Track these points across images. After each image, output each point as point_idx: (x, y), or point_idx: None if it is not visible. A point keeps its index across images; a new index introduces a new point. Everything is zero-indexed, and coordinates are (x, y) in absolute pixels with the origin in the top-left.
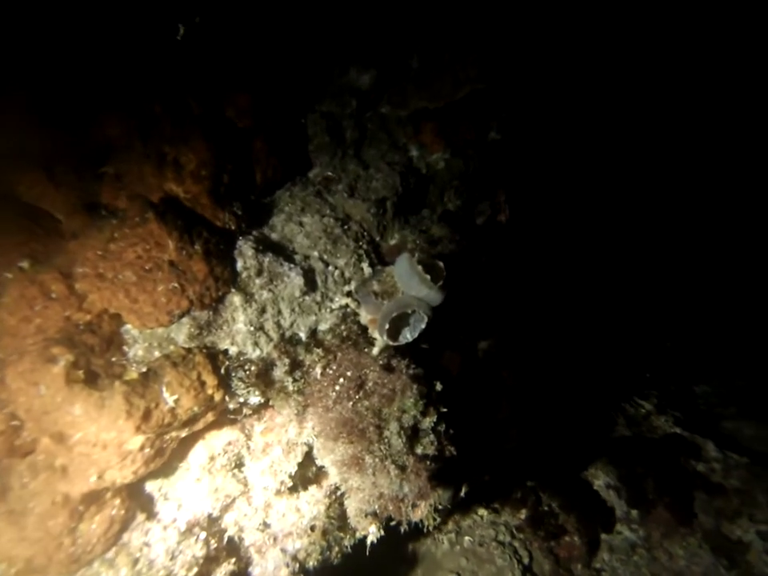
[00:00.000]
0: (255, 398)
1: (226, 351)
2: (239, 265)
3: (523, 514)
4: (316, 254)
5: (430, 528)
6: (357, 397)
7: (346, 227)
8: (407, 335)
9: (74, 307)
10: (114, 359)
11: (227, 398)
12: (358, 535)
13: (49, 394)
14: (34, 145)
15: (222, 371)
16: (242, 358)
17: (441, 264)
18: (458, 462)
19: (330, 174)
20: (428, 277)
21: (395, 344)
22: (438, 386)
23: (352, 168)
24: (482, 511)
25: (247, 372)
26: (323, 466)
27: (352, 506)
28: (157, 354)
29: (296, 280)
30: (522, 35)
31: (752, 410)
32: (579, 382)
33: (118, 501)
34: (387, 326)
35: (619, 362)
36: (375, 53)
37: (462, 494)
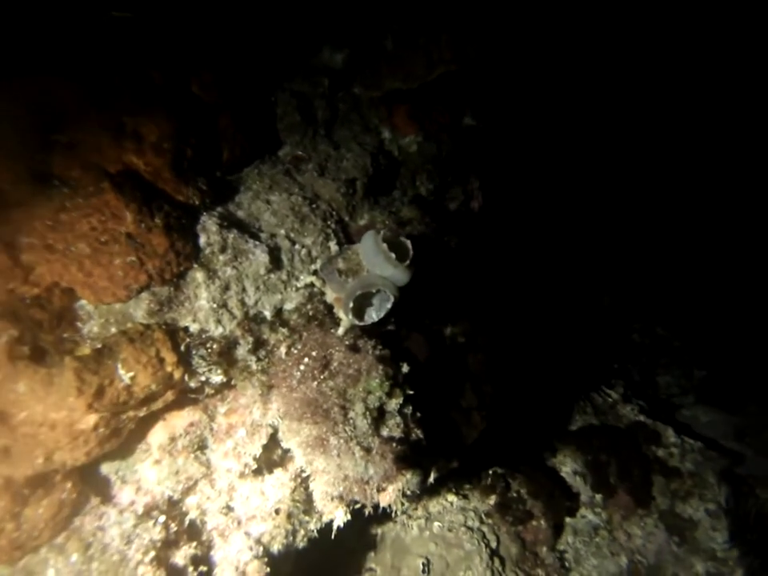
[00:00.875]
0: (217, 377)
1: (186, 328)
2: (202, 240)
3: (492, 500)
4: (283, 232)
5: (399, 513)
6: (321, 377)
7: (314, 206)
8: (373, 315)
9: (18, 279)
10: (65, 335)
11: (187, 377)
12: (324, 519)
13: None
14: None
15: (183, 348)
16: (203, 336)
17: (408, 243)
18: (427, 448)
19: (300, 153)
20: (393, 255)
21: (361, 324)
22: (405, 368)
23: (323, 148)
24: (452, 497)
25: (209, 350)
26: (289, 449)
27: (318, 488)
28: (114, 330)
29: (261, 257)
30: (500, 20)
31: (708, 399)
32: (549, 371)
33: (69, 484)
34: (352, 305)
35: (588, 351)
36: (349, 32)
37: (431, 479)
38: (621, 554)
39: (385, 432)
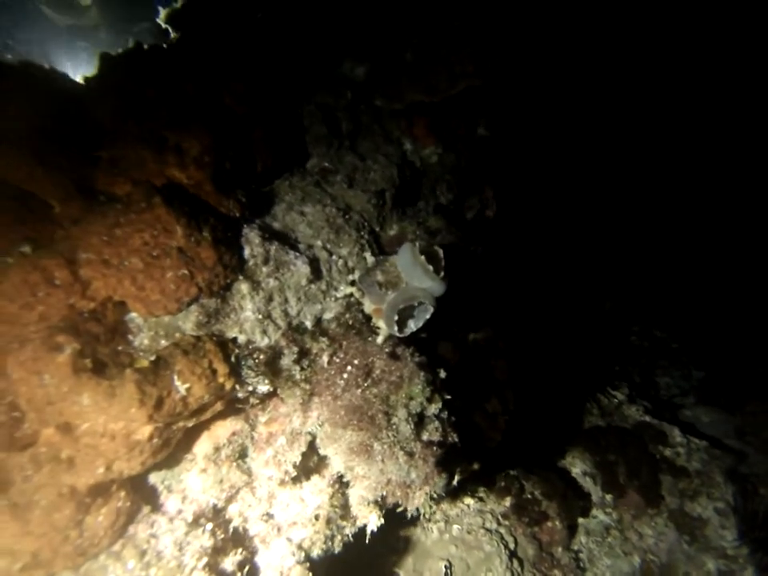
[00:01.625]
0: (264, 387)
1: (234, 339)
2: (246, 252)
3: (508, 501)
4: (319, 243)
5: (426, 516)
6: (365, 384)
7: (347, 217)
8: (412, 325)
9: (78, 294)
10: (119, 348)
11: (237, 387)
12: (358, 524)
13: (53, 384)
14: (21, 126)
15: (233, 359)
16: (250, 346)
17: (440, 253)
18: (455, 450)
19: (327, 165)
20: (431, 268)
21: (401, 335)
22: (442, 374)
23: (348, 159)
24: (468, 500)
25: (256, 360)
26: (326, 456)
27: (356, 494)
28: (163, 342)
29: (302, 268)
30: (515, 33)
31: (708, 399)
32: (558, 374)
33: (123, 493)
34: (397, 318)
35: (592, 353)
36: (370, 45)
37: (455, 482)
38: (633, 554)
39: (425, 436)
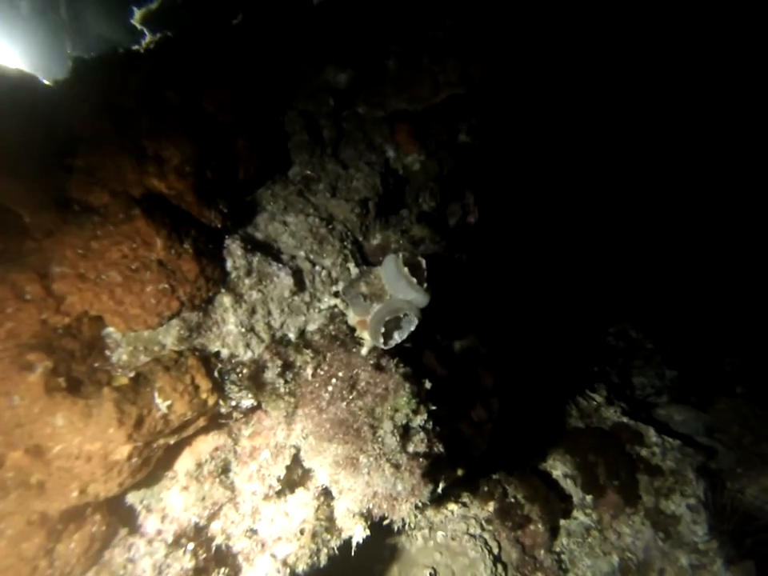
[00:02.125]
0: (247, 401)
1: (217, 353)
2: (228, 264)
3: (491, 506)
4: (302, 253)
5: (411, 526)
6: (350, 397)
7: (330, 227)
8: (396, 337)
9: (51, 309)
10: (96, 365)
11: (221, 402)
12: (343, 536)
13: (23, 405)
14: None
15: (216, 374)
16: (233, 360)
17: (423, 264)
18: (440, 460)
19: (309, 173)
20: (414, 280)
21: (386, 347)
22: (427, 384)
23: (331, 167)
24: (452, 506)
25: (240, 374)
26: (310, 468)
27: (342, 506)
28: (143, 358)
29: (285, 280)
30: (498, 38)
31: (680, 398)
32: (539, 377)
33: (98, 516)
34: (383, 330)
35: (571, 356)
36: (352, 52)
37: (440, 489)
38: (612, 553)
39: (411, 448)
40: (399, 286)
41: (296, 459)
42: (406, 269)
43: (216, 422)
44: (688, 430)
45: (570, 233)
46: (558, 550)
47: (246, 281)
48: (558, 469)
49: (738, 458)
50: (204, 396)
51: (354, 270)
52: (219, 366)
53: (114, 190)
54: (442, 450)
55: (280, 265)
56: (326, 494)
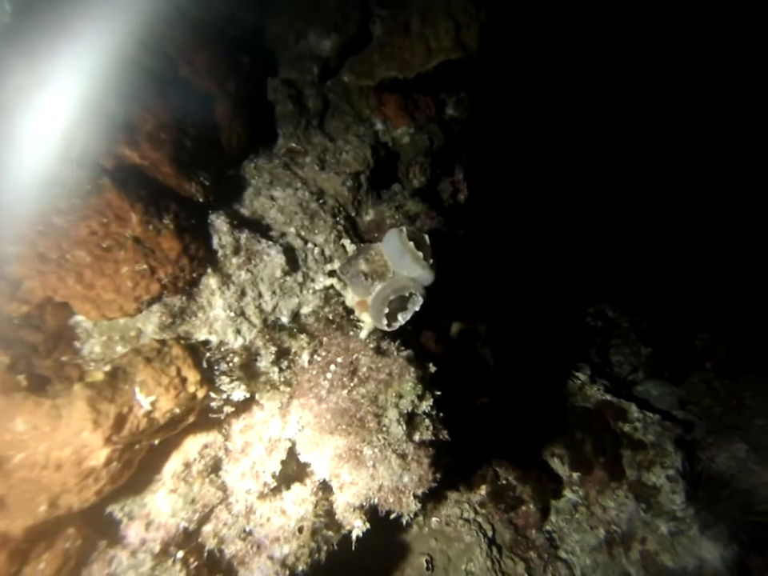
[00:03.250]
0: (240, 393)
1: (205, 341)
2: (214, 242)
3: (483, 489)
4: (293, 230)
5: (411, 515)
6: (351, 384)
7: (321, 201)
8: (399, 318)
9: (4, 296)
10: (64, 359)
11: (211, 395)
12: (343, 531)
13: None
14: None
15: (204, 364)
16: (223, 348)
17: (427, 240)
18: (444, 446)
19: (293, 145)
20: (421, 255)
21: (390, 329)
22: (432, 368)
23: (318, 140)
24: (446, 491)
25: (230, 364)
26: (307, 462)
27: (343, 500)
28: (120, 348)
29: (276, 259)
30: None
31: (655, 373)
32: (528, 358)
33: (71, 530)
34: (387, 311)
35: (555, 336)
36: (335, 16)
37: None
38: (599, 527)
39: (417, 436)
40: (404, 262)
41: (292, 452)
42: (411, 244)
43: (205, 416)
44: (664, 404)
45: (550, 214)
46: (548, 528)
47: (234, 260)
48: (547, 448)
49: (708, 428)
50: (192, 389)
51: (350, 247)
52: (207, 354)
53: (79, 158)
54: (447, 436)
55: (270, 242)
56: (325, 487)
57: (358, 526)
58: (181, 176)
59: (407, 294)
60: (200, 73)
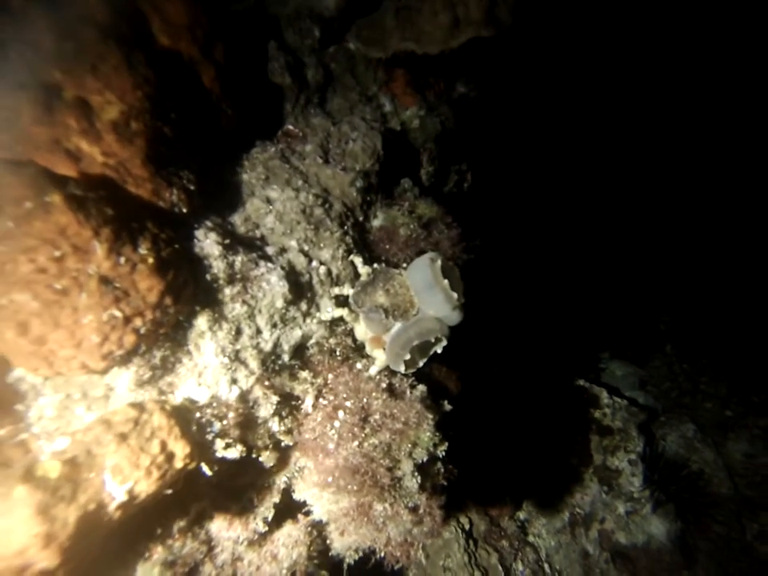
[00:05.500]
0: (234, 454)
1: (193, 397)
2: (203, 269)
3: None
4: (294, 243)
5: None
6: (363, 435)
7: (327, 206)
8: (419, 362)
9: None
10: (1, 432)
11: (203, 466)
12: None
13: None
14: None
15: (194, 427)
16: (215, 404)
17: (458, 273)
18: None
19: (290, 128)
20: (455, 295)
21: (406, 371)
22: (447, 406)
23: (318, 122)
24: None
25: (225, 422)
26: (302, 500)
27: (343, 544)
28: (82, 412)
29: (278, 287)
30: None
31: (619, 354)
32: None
33: None
34: (408, 357)
35: (530, 320)
36: None
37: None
38: (564, 510)
39: (428, 483)
40: (433, 300)
41: (286, 492)
42: (446, 281)
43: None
44: (627, 385)
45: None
46: (521, 516)
47: (227, 290)
48: (523, 436)
49: (664, 409)
50: (181, 465)
51: (362, 268)
52: (197, 415)
53: (7, 157)
54: (456, 473)
55: (269, 265)
56: (320, 524)
57: (349, 556)
58: (159, 181)
59: (432, 340)
60: (176, 31)
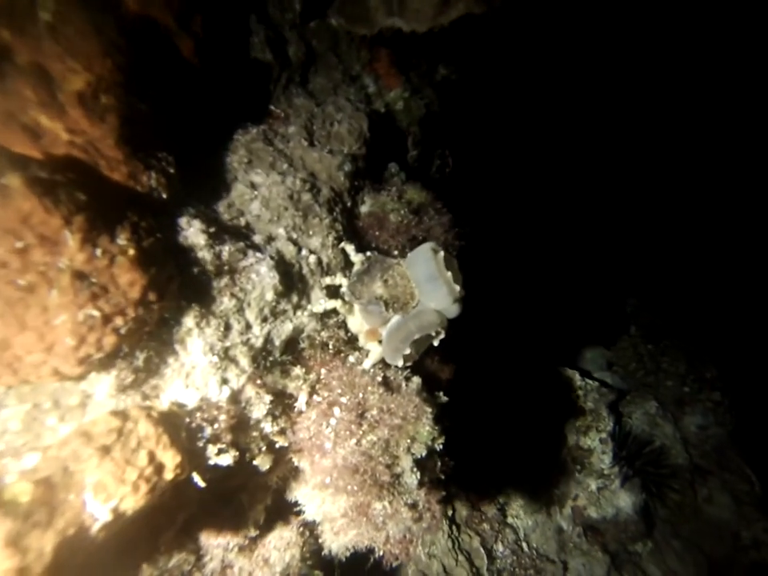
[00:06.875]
0: (227, 460)
1: (181, 400)
2: (188, 260)
3: None
4: (282, 231)
5: None
6: (360, 432)
7: (314, 191)
8: (415, 355)
9: None
10: None
11: (194, 476)
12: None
13: None
14: None
15: (183, 433)
16: (205, 407)
17: (456, 264)
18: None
19: (272, 108)
20: (458, 287)
21: (403, 365)
22: (443, 398)
23: (301, 102)
24: None
25: (216, 427)
26: (294, 500)
27: (339, 544)
28: (54, 423)
29: (268, 278)
30: None
31: (589, 336)
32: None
33: None
34: (408, 351)
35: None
36: None
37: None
38: (541, 491)
39: (426, 477)
40: (435, 292)
41: (277, 491)
42: (449, 273)
43: None
44: (595, 366)
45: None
46: (501, 500)
47: (215, 283)
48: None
49: (629, 388)
50: (171, 476)
51: (355, 256)
52: (187, 419)
53: None
54: (451, 464)
55: (258, 254)
56: (312, 523)
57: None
58: (135, 163)
59: (433, 333)
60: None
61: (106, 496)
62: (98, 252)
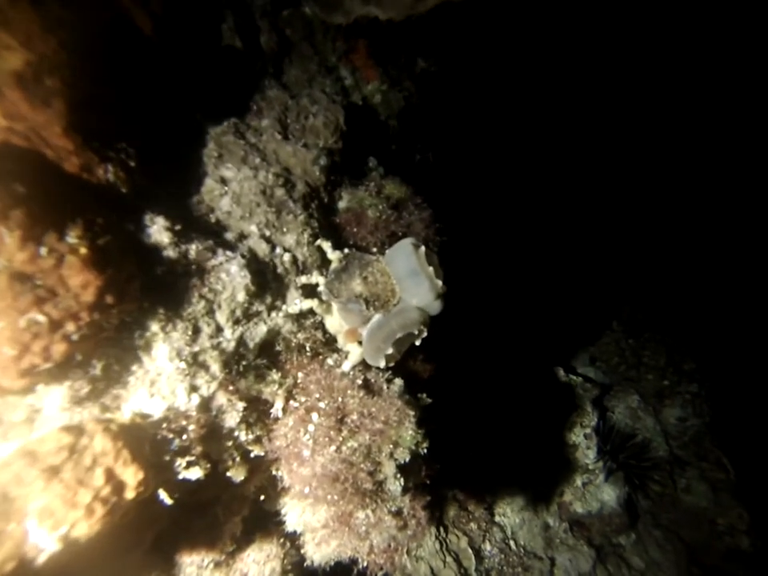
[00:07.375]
0: (196, 474)
1: (146, 411)
2: (152, 260)
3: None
4: (254, 228)
5: None
6: (340, 438)
7: (288, 186)
8: (396, 354)
9: None
10: None
11: (161, 493)
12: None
13: None
14: None
15: (147, 448)
16: (172, 417)
17: (437, 259)
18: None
19: (245, 100)
20: (440, 283)
21: (384, 365)
22: (426, 400)
23: (275, 94)
24: None
25: (184, 438)
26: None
27: (321, 555)
28: None
29: (239, 277)
30: None
31: (573, 332)
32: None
33: None
34: (390, 351)
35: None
36: None
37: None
38: (527, 488)
39: (411, 483)
40: (417, 288)
41: (256, 503)
42: (431, 268)
43: None
44: (579, 361)
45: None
46: (488, 499)
47: (182, 284)
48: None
49: (612, 383)
50: (133, 494)
51: (332, 254)
52: (152, 431)
53: None
54: (437, 467)
55: (228, 253)
56: (294, 534)
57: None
58: (89, 154)
59: (416, 332)
60: None
61: (54, 523)
62: (43, 251)
